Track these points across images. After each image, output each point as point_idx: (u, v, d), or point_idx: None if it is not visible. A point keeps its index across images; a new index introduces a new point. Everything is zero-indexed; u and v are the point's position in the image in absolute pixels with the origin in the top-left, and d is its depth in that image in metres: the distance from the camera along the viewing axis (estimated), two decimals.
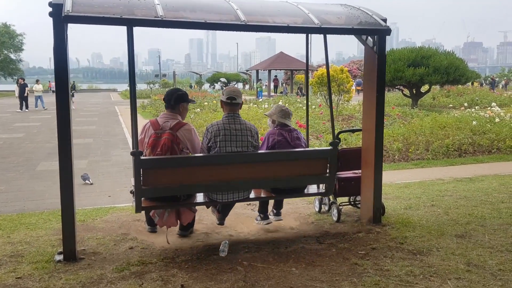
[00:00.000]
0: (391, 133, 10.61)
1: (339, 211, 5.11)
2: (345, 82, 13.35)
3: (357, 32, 4.57)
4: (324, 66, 16.13)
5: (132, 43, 3.80)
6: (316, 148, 4.70)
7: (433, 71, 20.96)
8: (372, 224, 4.86)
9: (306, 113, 5.54)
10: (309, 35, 5.31)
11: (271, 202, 5.09)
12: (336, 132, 5.17)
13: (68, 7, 3.61)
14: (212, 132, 4.24)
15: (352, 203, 5.53)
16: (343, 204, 5.40)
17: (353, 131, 6.11)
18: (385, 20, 4.61)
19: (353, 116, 14.53)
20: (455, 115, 14.97)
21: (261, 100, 24.51)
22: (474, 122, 12.53)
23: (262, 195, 4.67)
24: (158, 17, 3.75)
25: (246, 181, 4.27)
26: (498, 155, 9.94)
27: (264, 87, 38.41)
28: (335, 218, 5.13)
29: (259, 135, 4.69)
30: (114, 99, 38.88)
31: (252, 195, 4.55)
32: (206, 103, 19.01)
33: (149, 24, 3.77)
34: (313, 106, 17.84)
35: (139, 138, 4.32)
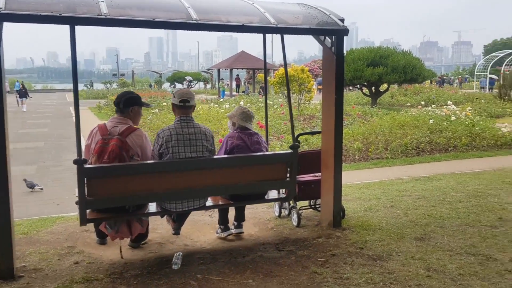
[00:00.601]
0: (351, 133, 10.64)
1: (299, 216, 4.97)
2: (305, 81, 13.31)
3: (315, 32, 4.43)
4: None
5: (74, 43, 3.51)
6: (276, 152, 4.53)
7: (391, 70, 21.37)
8: (332, 228, 4.75)
9: (265, 114, 5.37)
10: (269, 34, 5.15)
11: (232, 212, 4.87)
12: (296, 134, 5.04)
13: (1, 4, 3.30)
14: (163, 138, 3.99)
15: (313, 206, 5.41)
16: (303, 208, 5.28)
17: (313, 133, 6.01)
18: (342, 20, 4.51)
19: (314, 115, 14.54)
20: (413, 113, 15.26)
21: (221, 100, 24.25)
22: (431, 121, 12.77)
23: (220, 202, 4.46)
24: (101, 15, 3.48)
25: (201, 188, 4.03)
26: (455, 153, 10.15)
27: (226, 86, 38.11)
28: (295, 223, 4.99)
29: (220, 137, 4.52)
30: (70, 99, 37.50)
31: (209, 202, 4.33)
32: (165, 103, 18.53)
33: (92, 22, 3.50)
34: (275, 106, 17.76)
35: (86, 143, 4.04)
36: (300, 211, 5.10)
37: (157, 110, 16.58)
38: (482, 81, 37.57)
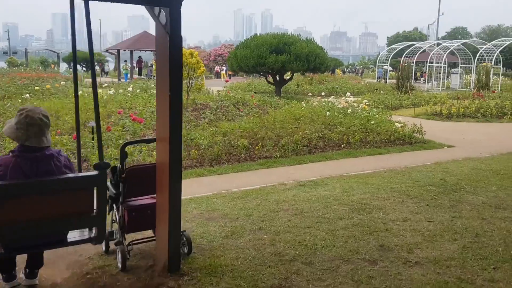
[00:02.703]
0: (238, 127, 9.48)
1: (124, 256, 3.63)
2: (195, 67, 11.90)
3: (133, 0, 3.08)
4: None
5: None
6: (70, 175, 3.06)
7: (295, 58, 20.72)
8: (167, 274, 3.49)
9: (76, 109, 3.80)
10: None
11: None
12: (122, 143, 3.69)
13: None
14: None
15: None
16: (135, 242, 3.94)
17: (148, 141, 4.69)
18: None
19: (207, 105, 13.21)
20: (314, 104, 14.60)
21: (107, 84, 21.95)
22: (328, 113, 12.11)
23: None
24: None
25: None
26: (348, 150, 9.42)
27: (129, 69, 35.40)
28: (120, 265, 3.66)
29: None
30: None
31: None
32: (37, 88, 15.95)
33: None
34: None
35: None
36: (130, 247, 3.78)
37: (27, 95, 14.17)
38: (379, 71, 38.94)
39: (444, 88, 30.97)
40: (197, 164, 7.86)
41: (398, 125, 10.97)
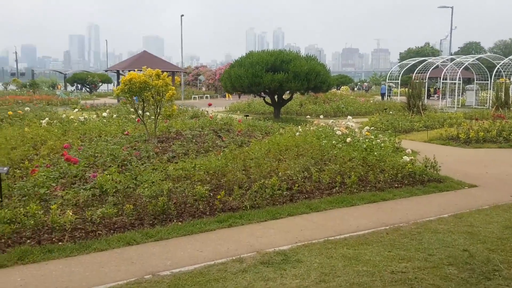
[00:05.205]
0: (200, 166, 7.45)
1: None
2: (162, 90, 9.96)
3: None
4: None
5: None
6: None
7: (293, 76, 18.82)
8: None
9: None
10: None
11: None
12: None
13: None
14: None
15: None
16: None
17: None
18: None
19: (182, 134, 11.27)
20: (312, 128, 12.64)
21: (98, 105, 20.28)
22: (324, 142, 10.12)
23: None
24: None
25: None
26: (341, 195, 7.34)
27: None
28: None
29: None
30: None
31: None
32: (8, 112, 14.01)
33: None
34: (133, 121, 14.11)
35: None
36: None
37: None
38: (383, 88, 36.93)
39: (459, 106, 28.74)
40: (135, 223, 5.90)
41: (407, 158, 8.90)
